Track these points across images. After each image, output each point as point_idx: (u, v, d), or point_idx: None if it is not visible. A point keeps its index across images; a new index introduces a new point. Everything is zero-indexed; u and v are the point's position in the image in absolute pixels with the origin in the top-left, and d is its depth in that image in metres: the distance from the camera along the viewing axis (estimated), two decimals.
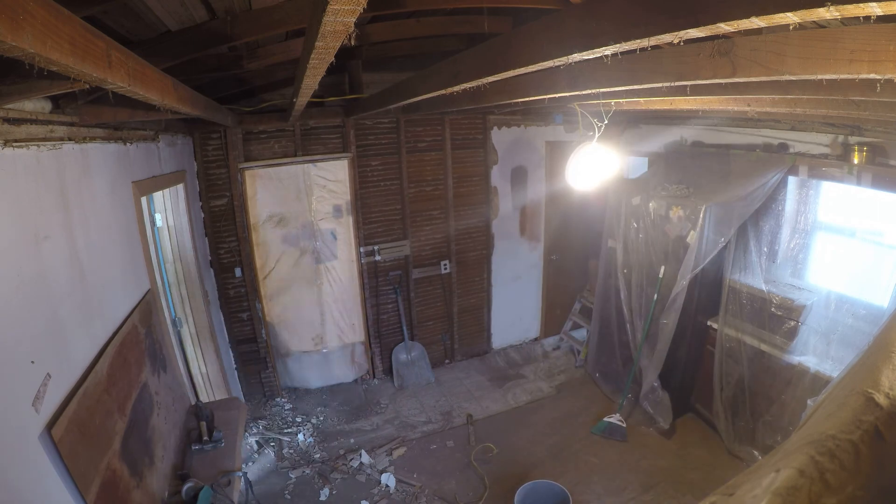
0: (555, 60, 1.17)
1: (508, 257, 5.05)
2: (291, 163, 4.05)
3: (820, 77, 1.12)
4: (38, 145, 1.57)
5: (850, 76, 1.05)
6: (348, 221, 4.34)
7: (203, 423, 2.39)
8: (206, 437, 2.38)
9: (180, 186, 3.32)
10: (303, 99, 2.16)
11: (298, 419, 4.17)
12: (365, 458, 3.65)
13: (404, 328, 4.70)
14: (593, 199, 4.19)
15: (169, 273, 3.37)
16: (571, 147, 3.14)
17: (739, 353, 3.42)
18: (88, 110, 1.84)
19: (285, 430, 4.01)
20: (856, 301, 2.91)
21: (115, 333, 1.97)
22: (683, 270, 3.41)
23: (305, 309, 4.43)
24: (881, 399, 0.53)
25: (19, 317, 1.35)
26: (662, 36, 0.90)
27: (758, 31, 1.11)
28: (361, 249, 4.41)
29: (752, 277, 3.38)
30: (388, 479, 3.44)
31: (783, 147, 3.33)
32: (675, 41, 0.92)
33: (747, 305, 3.39)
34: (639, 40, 0.94)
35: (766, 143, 3.43)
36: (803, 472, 0.44)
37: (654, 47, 1.02)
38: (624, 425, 3.82)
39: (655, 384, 3.76)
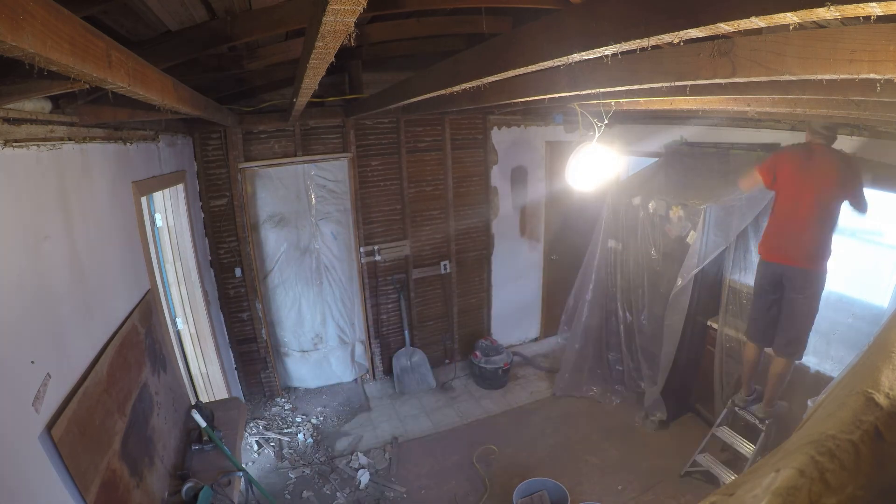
0: (555, 60, 1.17)
1: (508, 257, 5.05)
2: (291, 163, 4.05)
3: (820, 77, 1.12)
4: (38, 145, 1.57)
5: (850, 76, 1.05)
6: (348, 221, 4.34)
7: None
8: (206, 437, 2.38)
9: (180, 186, 3.32)
10: (303, 99, 2.16)
11: (298, 419, 4.17)
12: (364, 458, 3.65)
13: (406, 332, 4.69)
14: (593, 199, 4.19)
15: (169, 273, 3.37)
16: (571, 147, 3.14)
17: (739, 353, 3.42)
18: (88, 110, 1.84)
19: (285, 430, 4.01)
20: (856, 301, 2.91)
21: (115, 333, 1.97)
22: (683, 271, 3.41)
23: (305, 309, 4.43)
24: (881, 399, 0.53)
25: (19, 317, 1.35)
26: (662, 36, 0.90)
27: (758, 31, 1.11)
28: (361, 249, 4.41)
29: (753, 277, 3.37)
30: (388, 479, 3.44)
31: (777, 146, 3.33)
32: (675, 41, 0.92)
33: (747, 305, 3.39)
34: (639, 40, 0.94)
35: (766, 143, 3.43)
36: (803, 472, 0.44)
37: (654, 47, 1.03)
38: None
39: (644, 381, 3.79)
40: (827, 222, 2.71)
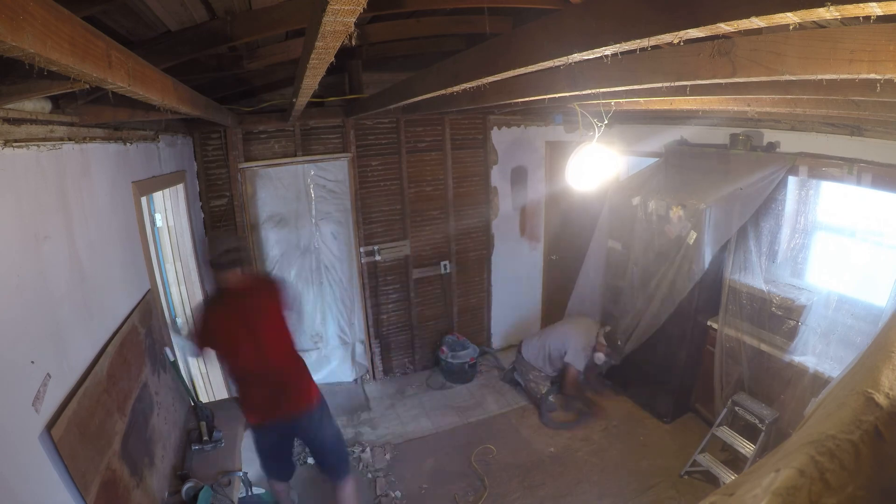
0: (555, 60, 1.17)
1: (508, 257, 5.05)
2: (291, 163, 4.06)
3: (820, 77, 1.12)
4: (38, 145, 1.56)
5: (850, 76, 1.05)
6: (348, 221, 4.34)
7: (203, 423, 2.39)
8: (206, 437, 2.38)
9: (180, 186, 3.32)
10: (303, 99, 2.16)
11: None
12: (365, 457, 3.65)
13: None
14: (593, 199, 4.20)
15: (169, 273, 3.37)
16: (571, 147, 3.14)
17: (739, 353, 3.42)
18: (88, 110, 1.84)
19: None
20: (856, 301, 2.91)
21: (115, 333, 1.97)
22: (692, 275, 3.40)
23: (306, 308, 4.43)
24: (881, 399, 0.53)
25: (19, 317, 1.35)
26: (662, 36, 0.90)
27: (758, 31, 1.11)
28: (361, 249, 4.41)
29: (752, 277, 3.38)
30: (388, 479, 3.44)
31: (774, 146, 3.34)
32: (675, 41, 0.92)
33: (747, 305, 3.39)
34: (639, 40, 0.94)
35: (767, 142, 3.43)
36: (803, 472, 0.44)
37: (654, 47, 1.02)
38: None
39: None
40: (289, 344, 2.52)
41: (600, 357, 3.91)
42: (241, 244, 2.56)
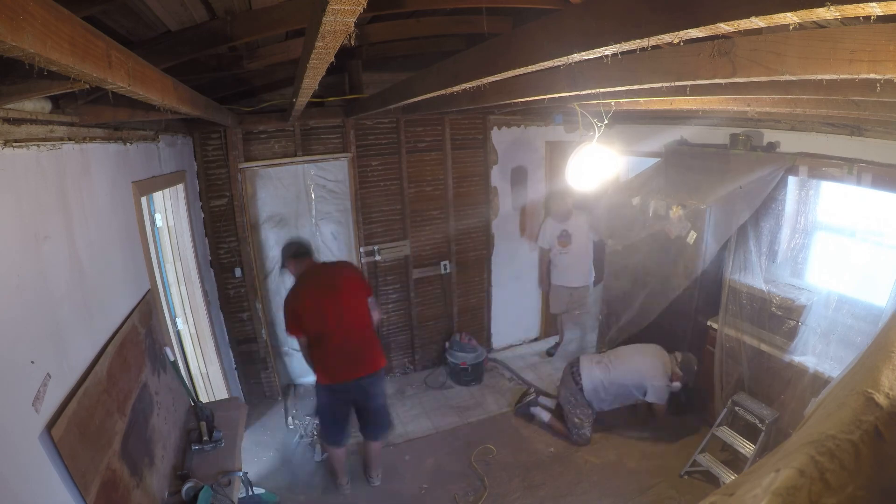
0: (555, 60, 1.17)
1: (508, 257, 5.05)
2: (291, 163, 4.05)
3: (820, 77, 1.12)
4: (38, 145, 1.57)
5: (850, 76, 1.05)
6: (348, 221, 4.34)
7: (203, 423, 2.39)
8: (206, 437, 2.38)
9: (180, 186, 3.32)
10: (303, 99, 2.16)
11: (298, 419, 4.16)
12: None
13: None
14: (593, 199, 4.19)
15: (169, 273, 3.37)
16: (571, 147, 3.13)
17: (739, 353, 3.42)
18: (88, 110, 1.84)
19: (286, 430, 4.00)
20: (855, 301, 2.91)
21: (115, 333, 1.97)
22: (690, 272, 3.40)
23: None
24: (881, 399, 0.53)
25: (19, 317, 1.35)
26: (662, 36, 0.90)
27: (758, 31, 1.11)
28: (361, 249, 4.40)
29: (752, 277, 3.38)
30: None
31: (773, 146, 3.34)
32: (675, 41, 0.92)
33: (747, 305, 3.39)
34: (639, 40, 0.94)
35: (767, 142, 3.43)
36: (803, 472, 0.44)
37: (654, 47, 1.02)
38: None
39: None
40: (366, 316, 3.04)
41: (677, 386, 3.52)
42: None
